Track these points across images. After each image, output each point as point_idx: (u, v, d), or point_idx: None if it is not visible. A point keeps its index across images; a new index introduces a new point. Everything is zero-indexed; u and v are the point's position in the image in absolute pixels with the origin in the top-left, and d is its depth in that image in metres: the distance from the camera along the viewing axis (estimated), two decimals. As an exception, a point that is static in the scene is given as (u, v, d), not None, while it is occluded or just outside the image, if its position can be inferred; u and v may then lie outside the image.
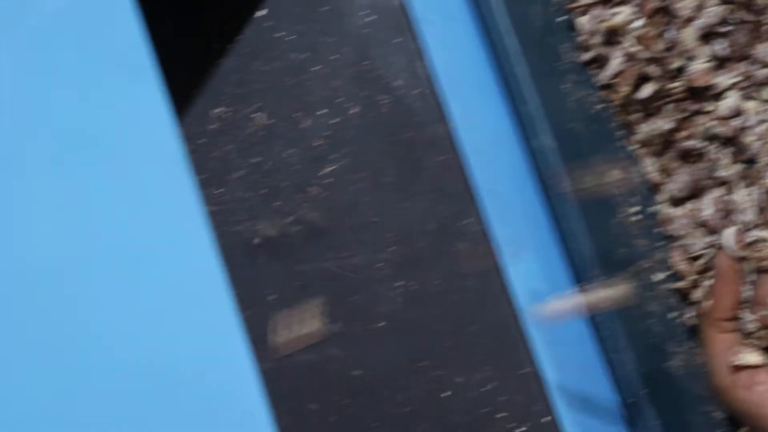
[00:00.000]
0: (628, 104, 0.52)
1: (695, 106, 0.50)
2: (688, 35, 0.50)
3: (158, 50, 0.40)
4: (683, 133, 0.51)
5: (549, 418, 0.48)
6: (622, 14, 0.51)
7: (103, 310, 0.37)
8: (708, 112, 0.50)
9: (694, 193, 0.51)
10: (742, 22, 0.49)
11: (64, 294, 0.36)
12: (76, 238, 0.37)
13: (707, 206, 0.50)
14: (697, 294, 0.50)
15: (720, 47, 0.49)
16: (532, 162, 0.51)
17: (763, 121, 0.49)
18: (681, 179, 0.51)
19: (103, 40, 0.39)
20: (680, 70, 0.50)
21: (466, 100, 0.50)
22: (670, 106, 0.51)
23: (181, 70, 0.43)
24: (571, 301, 0.49)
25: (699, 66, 0.50)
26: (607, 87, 0.52)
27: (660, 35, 0.50)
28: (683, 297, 0.51)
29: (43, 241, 0.36)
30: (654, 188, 0.51)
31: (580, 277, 0.50)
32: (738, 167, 0.49)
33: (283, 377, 0.49)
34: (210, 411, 0.38)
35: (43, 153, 0.38)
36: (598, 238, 0.50)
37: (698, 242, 0.50)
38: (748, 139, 0.49)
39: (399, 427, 0.48)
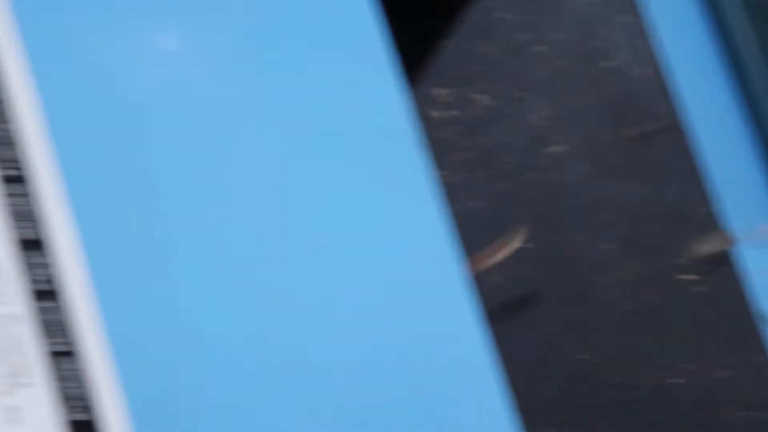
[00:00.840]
0: None
1: None
2: None
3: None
4: None
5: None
6: None
7: (338, 288, 0.37)
8: None
9: None
10: None
11: (302, 274, 0.36)
12: (312, 222, 0.37)
13: None
14: None
15: None
16: (761, 144, 0.49)
17: None
18: None
19: (337, 21, 0.40)
20: None
21: (693, 81, 0.49)
22: None
23: (404, 51, 0.42)
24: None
25: None
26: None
27: None
28: None
29: (279, 225, 0.37)
30: None
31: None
32: None
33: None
34: (443, 382, 0.37)
35: (273, 136, 0.38)
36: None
37: None
38: None
39: (624, 412, 0.47)
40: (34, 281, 0.30)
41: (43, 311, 0.30)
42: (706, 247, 0.49)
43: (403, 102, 0.39)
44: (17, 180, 0.31)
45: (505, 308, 0.48)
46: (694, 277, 0.48)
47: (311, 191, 0.37)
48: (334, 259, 0.37)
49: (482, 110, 0.50)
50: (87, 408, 0.30)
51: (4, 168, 0.31)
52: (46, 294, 0.30)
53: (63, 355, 0.30)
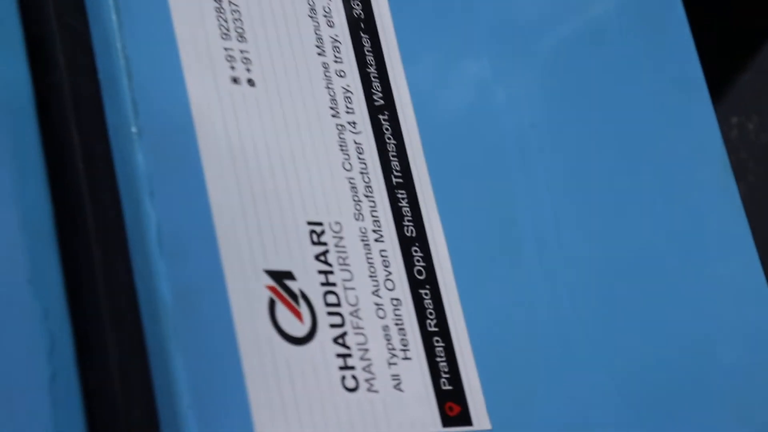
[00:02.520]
0: None
1: None
2: None
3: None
4: None
5: None
6: None
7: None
8: None
9: None
10: None
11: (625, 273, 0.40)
12: (631, 229, 0.41)
13: None
14: None
15: None
16: None
17: None
18: None
19: (658, 52, 0.43)
20: None
21: None
22: None
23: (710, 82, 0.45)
24: None
25: None
26: None
27: None
28: None
29: (608, 232, 0.40)
30: None
31: None
32: None
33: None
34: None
35: (593, 156, 0.42)
36: None
37: None
38: None
39: None
40: (414, 271, 0.35)
41: (419, 296, 0.35)
42: None
43: (715, 126, 0.42)
44: (402, 186, 0.36)
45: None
46: None
47: (632, 208, 0.41)
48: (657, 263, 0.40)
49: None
50: (452, 380, 0.35)
51: (395, 177, 0.36)
52: (422, 282, 0.35)
53: (434, 334, 0.35)
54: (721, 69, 0.54)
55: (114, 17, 0.32)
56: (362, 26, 0.37)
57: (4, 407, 0.32)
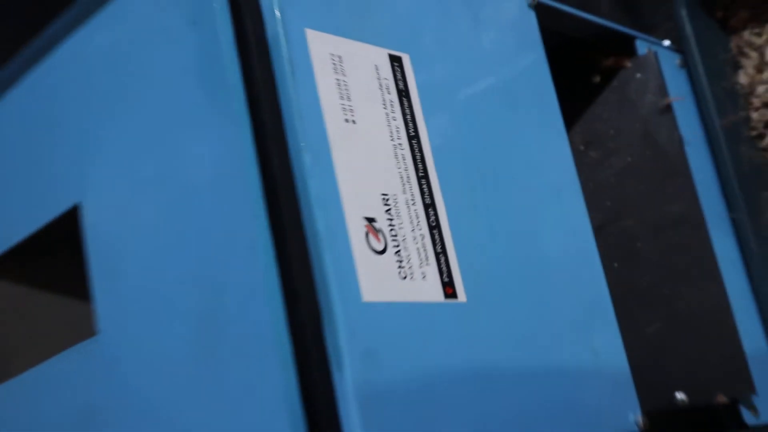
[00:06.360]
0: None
1: None
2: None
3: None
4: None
5: None
6: None
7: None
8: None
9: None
10: None
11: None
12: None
13: None
14: None
15: None
16: None
17: None
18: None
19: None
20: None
21: None
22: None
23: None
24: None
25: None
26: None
27: None
28: None
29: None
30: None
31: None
32: None
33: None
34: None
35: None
36: None
37: None
38: None
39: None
40: (430, 221, 0.61)
41: (433, 234, 0.60)
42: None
43: (570, 159, 0.70)
44: (423, 177, 0.62)
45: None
46: None
47: (524, 205, 0.68)
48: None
49: (591, 160, 0.80)
50: (449, 276, 0.60)
51: (419, 172, 0.61)
52: (434, 226, 0.61)
53: (441, 253, 0.60)
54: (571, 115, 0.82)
55: (292, 91, 0.57)
56: (404, 94, 0.63)
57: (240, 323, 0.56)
